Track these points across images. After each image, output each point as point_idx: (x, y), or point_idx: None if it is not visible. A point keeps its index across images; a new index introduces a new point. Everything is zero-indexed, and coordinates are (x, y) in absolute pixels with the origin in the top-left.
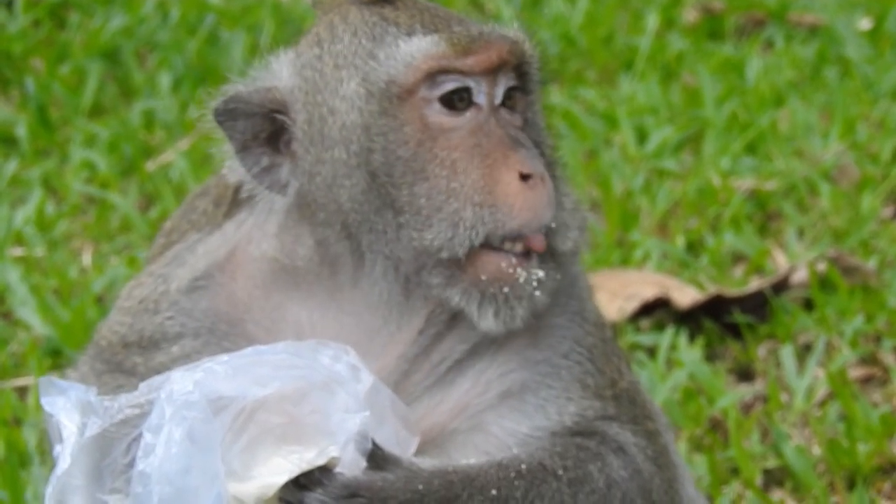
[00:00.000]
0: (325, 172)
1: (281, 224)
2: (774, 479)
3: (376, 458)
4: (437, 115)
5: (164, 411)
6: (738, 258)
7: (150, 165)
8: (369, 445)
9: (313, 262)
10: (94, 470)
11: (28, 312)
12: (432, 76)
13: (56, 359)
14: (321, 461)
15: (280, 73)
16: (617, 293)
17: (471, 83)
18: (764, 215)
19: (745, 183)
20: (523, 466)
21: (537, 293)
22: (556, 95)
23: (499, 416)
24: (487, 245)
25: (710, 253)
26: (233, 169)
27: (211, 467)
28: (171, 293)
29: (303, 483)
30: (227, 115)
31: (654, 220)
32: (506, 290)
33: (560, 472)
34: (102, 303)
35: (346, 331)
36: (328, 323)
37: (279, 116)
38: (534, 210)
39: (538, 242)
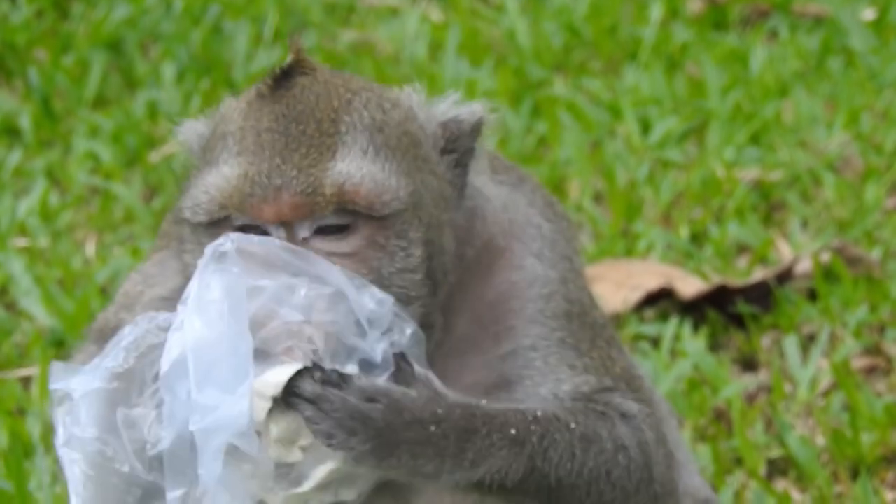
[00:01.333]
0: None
1: None
2: (778, 468)
3: (405, 373)
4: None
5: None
6: (742, 249)
7: (154, 156)
8: (389, 371)
9: None
10: (120, 385)
11: (31, 303)
12: (225, 216)
13: (60, 349)
14: (331, 367)
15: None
16: (621, 284)
17: (264, 225)
18: (768, 206)
19: (750, 173)
20: (539, 414)
21: None
22: (560, 86)
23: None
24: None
25: (714, 243)
26: None
27: (241, 323)
28: (146, 298)
29: (320, 380)
30: None
31: (658, 210)
32: None
33: (573, 425)
34: (106, 293)
35: None
36: None
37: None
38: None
39: None
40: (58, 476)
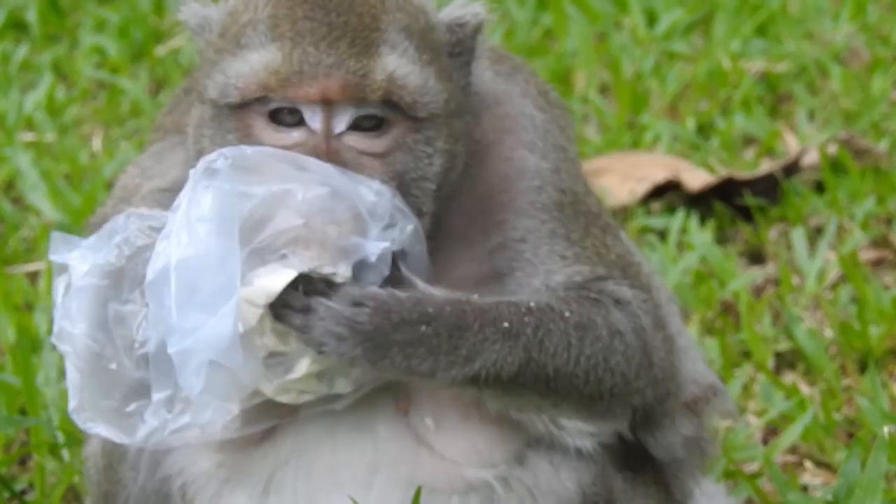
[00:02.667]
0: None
1: None
2: (786, 361)
3: (394, 278)
4: (262, 130)
5: (188, 183)
6: (748, 140)
7: (160, 50)
8: (387, 272)
9: None
10: (112, 281)
11: (39, 197)
12: (260, 97)
13: None
14: (326, 270)
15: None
16: (627, 175)
17: (300, 106)
18: (774, 98)
19: (756, 65)
20: (532, 304)
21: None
22: None
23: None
24: None
25: (720, 135)
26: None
27: (230, 242)
28: (143, 190)
29: (307, 290)
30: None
31: (664, 102)
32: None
33: (567, 314)
34: (112, 187)
35: None
36: None
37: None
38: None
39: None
40: (64, 371)
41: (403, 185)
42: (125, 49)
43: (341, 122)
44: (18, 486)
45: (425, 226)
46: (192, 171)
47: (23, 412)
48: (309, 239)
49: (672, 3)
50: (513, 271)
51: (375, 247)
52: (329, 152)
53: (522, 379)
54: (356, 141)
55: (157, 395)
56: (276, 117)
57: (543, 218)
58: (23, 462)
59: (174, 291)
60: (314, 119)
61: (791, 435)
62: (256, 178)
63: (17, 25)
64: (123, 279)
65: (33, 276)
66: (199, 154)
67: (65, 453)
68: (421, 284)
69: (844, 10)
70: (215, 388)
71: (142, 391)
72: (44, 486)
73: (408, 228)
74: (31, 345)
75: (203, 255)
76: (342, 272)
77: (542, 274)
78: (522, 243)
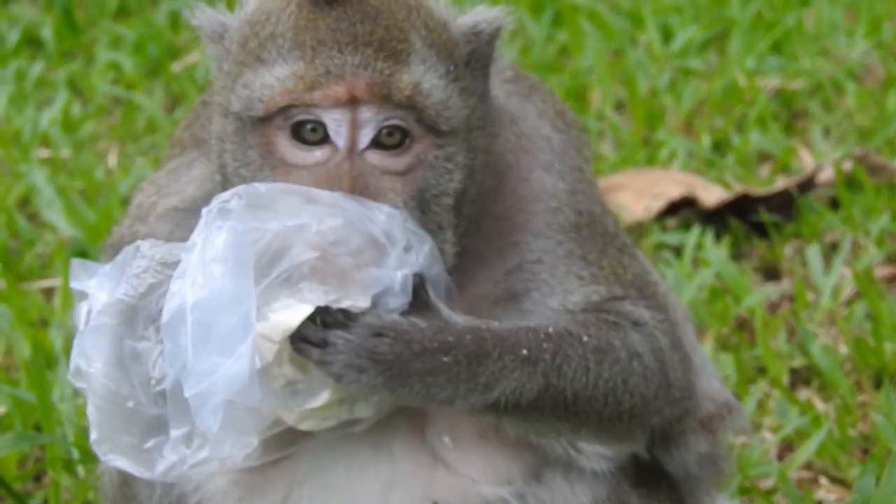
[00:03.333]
0: (209, 155)
1: None
2: (801, 377)
3: (419, 299)
4: (285, 147)
5: (201, 223)
6: (764, 157)
7: (176, 66)
8: (410, 298)
9: None
10: (126, 319)
11: (54, 214)
12: (284, 109)
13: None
14: (344, 304)
15: (232, 21)
16: (643, 192)
17: (326, 120)
18: (790, 114)
19: (771, 82)
20: (551, 330)
21: None
22: None
23: (498, 320)
24: None
25: (736, 152)
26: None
27: (244, 281)
28: (160, 208)
29: (326, 322)
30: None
31: (679, 118)
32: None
33: (585, 338)
34: (128, 204)
35: None
36: None
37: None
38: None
39: None
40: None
41: (423, 203)
42: (141, 65)
43: (366, 135)
44: (33, 503)
45: (448, 241)
46: (205, 210)
47: (38, 428)
48: (325, 272)
49: (687, 20)
50: (529, 292)
51: (395, 275)
52: (352, 171)
53: (541, 404)
54: (378, 160)
55: (175, 432)
56: (300, 134)
57: (560, 239)
58: (38, 478)
59: (190, 333)
60: (339, 132)
61: (806, 451)
62: (270, 215)
63: (33, 42)
64: (137, 316)
65: (48, 293)
66: (222, 168)
67: (80, 469)
68: (444, 311)
69: (859, 28)
70: (233, 425)
71: (159, 427)
72: (59, 502)
73: (424, 249)
74: (45, 361)
75: (218, 296)
76: (361, 304)
77: (560, 294)
78: (539, 264)
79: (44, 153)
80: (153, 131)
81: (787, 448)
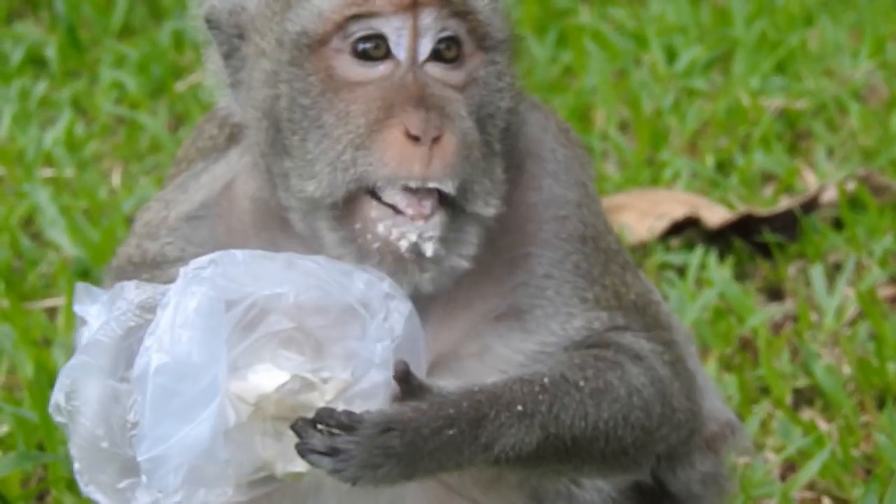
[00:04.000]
0: (250, 113)
1: (254, 158)
2: (804, 398)
3: (409, 386)
4: (347, 67)
5: (176, 286)
6: (767, 177)
7: (180, 86)
8: (391, 374)
9: (280, 205)
10: (111, 357)
11: (58, 233)
12: (344, 25)
13: (85, 279)
14: (324, 374)
15: None
16: (647, 212)
17: (387, 30)
18: (793, 134)
19: (775, 102)
20: (546, 380)
21: (437, 254)
22: (585, 15)
23: (500, 337)
24: (372, 195)
25: (739, 172)
26: (214, 75)
27: (214, 349)
28: (171, 220)
29: (331, 431)
30: (211, 22)
31: (683, 139)
32: (396, 253)
33: (581, 383)
34: (131, 223)
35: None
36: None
37: (238, 41)
38: (412, 164)
39: (424, 205)
40: None
41: (480, 122)
42: (145, 85)
43: (425, 46)
44: None
45: (496, 180)
46: (182, 270)
47: (41, 448)
48: (302, 343)
49: (691, 40)
50: (533, 309)
51: (375, 347)
52: (416, 83)
53: (542, 452)
54: (438, 72)
55: (146, 477)
56: (359, 51)
57: (568, 249)
58: (41, 498)
59: (150, 397)
60: (400, 43)
61: (809, 471)
62: (248, 281)
63: (37, 61)
64: (119, 356)
65: (52, 312)
66: (271, 113)
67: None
68: (434, 385)
69: (863, 48)
70: (200, 481)
71: (133, 468)
72: None
73: (404, 311)
74: (49, 380)
75: (183, 363)
76: (341, 376)
77: (563, 315)
78: (547, 279)
79: (47, 172)
80: (157, 151)
81: (790, 468)
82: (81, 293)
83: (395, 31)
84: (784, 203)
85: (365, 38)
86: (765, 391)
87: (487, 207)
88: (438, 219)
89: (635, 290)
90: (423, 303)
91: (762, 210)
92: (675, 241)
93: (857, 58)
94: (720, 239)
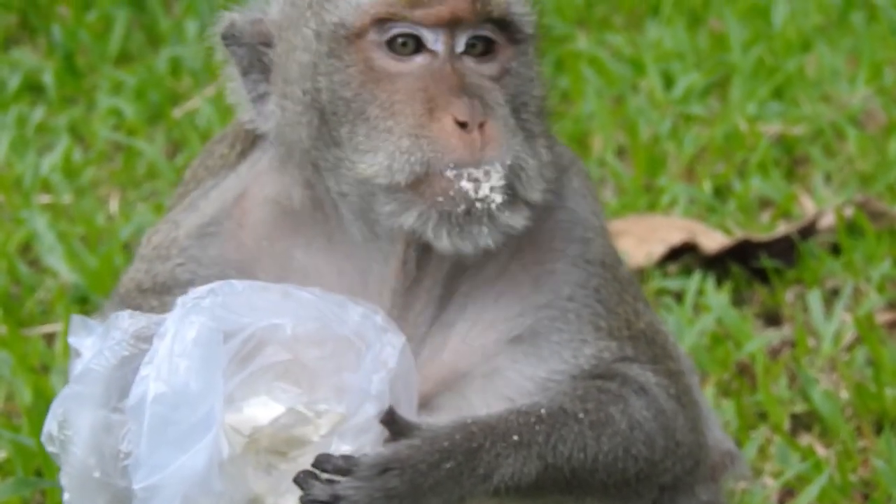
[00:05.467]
0: (289, 109)
1: (278, 164)
2: (802, 423)
3: (397, 426)
4: (384, 59)
5: (174, 315)
6: (765, 203)
7: (177, 112)
8: (385, 406)
9: (307, 205)
10: (104, 387)
11: (55, 260)
12: (381, 22)
13: (83, 306)
14: (320, 407)
15: (271, 4)
16: (644, 238)
17: (422, 31)
18: (791, 160)
19: (772, 128)
20: (543, 411)
21: (499, 209)
22: (582, 41)
23: (513, 361)
24: (433, 173)
25: (737, 198)
26: (234, 92)
27: (211, 380)
28: (181, 239)
29: (326, 470)
30: (229, 39)
31: (681, 165)
32: (461, 207)
33: (581, 415)
34: (129, 250)
35: (345, 275)
36: (330, 268)
37: (263, 48)
38: (465, 149)
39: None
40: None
41: (516, 110)
42: (142, 111)
43: (460, 44)
44: None
45: (542, 146)
46: (180, 300)
47: (39, 474)
48: (298, 375)
49: (689, 67)
50: (550, 333)
51: (371, 379)
52: (455, 74)
53: (541, 483)
54: (474, 64)
55: None
56: (395, 47)
57: (591, 272)
58: None
59: (147, 425)
60: (437, 42)
61: (807, 496)
62: (246, 312)
63: (34, 88)
64: (112, 387)
65: (49, 338)
66: (314, 105)
67: None
68: (423, 422)
69: (861, 73)
70: None
71: (126, 499)
72: None
73: (397, 345)
74: (47, 406)
75: (181, 392)
76: (336, 409)
77: (576, 343)
78: (570, 301)
79: (45, 199)
80: (154, 177)
81: (788, 493)
82: (77, 325)
83: (432, 32)
84: (782, 229)
85: (402, 35)
86: (763, 416)
87: (535, 192)
88: (497, 179)
89: (645, 320)
90: (455, 308)
91: (760, 236)
92: (672, 267)
93: (855, 83)
94: (718, 264)
